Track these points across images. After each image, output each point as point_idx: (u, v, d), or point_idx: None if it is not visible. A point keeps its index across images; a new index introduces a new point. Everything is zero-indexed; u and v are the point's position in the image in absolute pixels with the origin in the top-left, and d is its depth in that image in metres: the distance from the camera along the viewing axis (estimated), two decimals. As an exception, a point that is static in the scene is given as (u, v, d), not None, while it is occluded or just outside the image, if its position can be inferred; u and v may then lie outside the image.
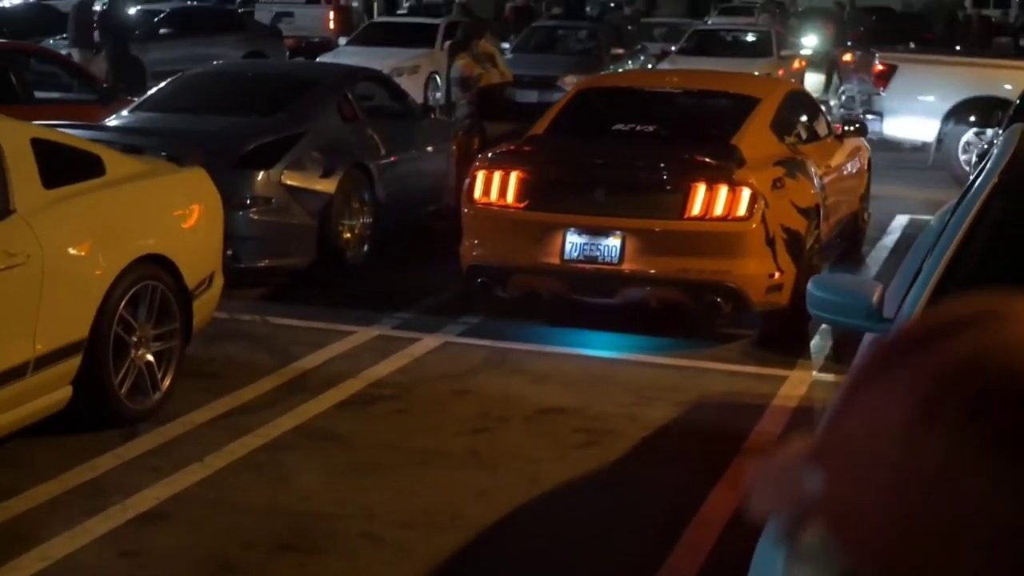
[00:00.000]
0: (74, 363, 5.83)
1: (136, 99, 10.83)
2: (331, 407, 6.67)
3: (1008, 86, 14.05)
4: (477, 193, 7.99)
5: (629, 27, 27.80)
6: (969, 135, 14.68)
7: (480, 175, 8.01)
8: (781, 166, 8.05)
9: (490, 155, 8.27)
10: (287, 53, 24.50)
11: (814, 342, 7.98)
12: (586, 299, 8.02)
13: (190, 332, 6.68)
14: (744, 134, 8.19)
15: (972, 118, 14.69)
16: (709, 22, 29.47)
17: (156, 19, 22.66)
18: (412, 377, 7.22)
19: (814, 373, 7.43)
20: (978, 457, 0.74)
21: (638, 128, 8.50)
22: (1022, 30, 28.05)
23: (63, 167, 6.03)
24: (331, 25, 28.61)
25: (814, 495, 0.81)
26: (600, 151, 8.15)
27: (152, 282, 6.32)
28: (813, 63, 24.77)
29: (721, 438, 6.28)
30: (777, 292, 7.74)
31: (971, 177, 5.23)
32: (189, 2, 29.44)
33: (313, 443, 6.16)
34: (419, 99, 16.23)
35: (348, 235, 9.56)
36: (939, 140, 14.88)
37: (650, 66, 22.55)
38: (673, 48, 22.96)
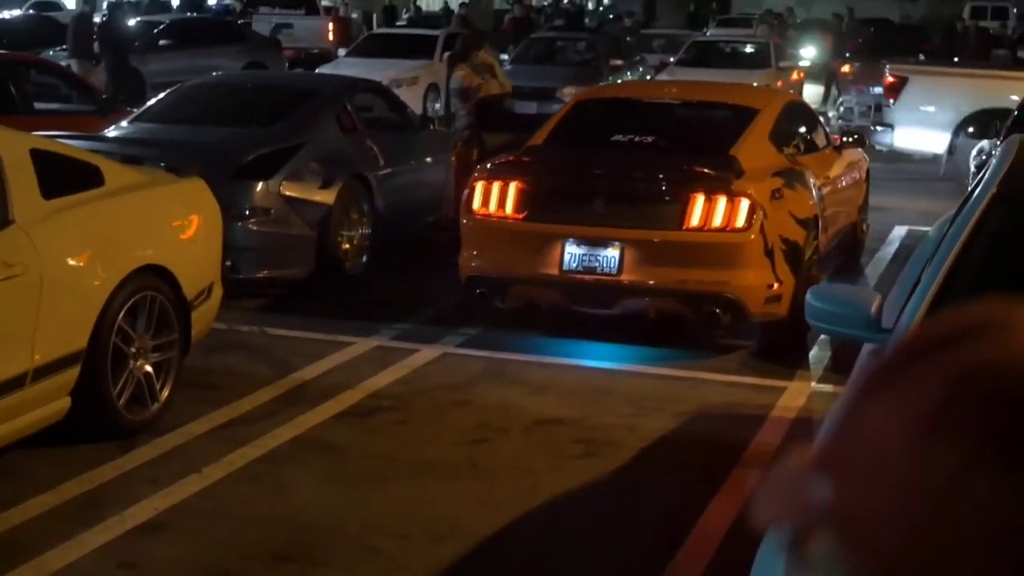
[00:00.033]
0: (72, 374, 5.83)
1: (135, 110, 10.84)
2: (330, 418, 6.66)
3: (1017, 98, 14.06)
4: (476, 204, 8.00)
5: (628, 38, 27.84)
6: (982, 145, 14.68)
7: (479, 186, 8.02)
8: (780, 177, 8.06)
9: (489, 166, 8.27)
10: (286, 64, 24.51)
11: (813, 353, 7.98)
12: (585, 310, 8.02)
13: (189, 343, 6.68)
14: (743, 145, 8.19)
15: (974, 129, 14.69)
16: (708, 34, 29.51)
17: (156, 31, 22.68)
18: (411, 388, 7.22)
19: (813, 384, 7.42)
20: (987, 465, 0.74)
21: (637, 139, 8.50)
22: (1020, 42, 28.09)
23: (62, 178, 6.03)
24: (330, 36, 28.63)
25: (821, 504, 0.81)
26: (599, 162, 8.16)
27: (151, 293, 6.32)
28: (811, 75, 24.79)
29: (720, 449, 6.28)
30: (776, 303, 7.74)
31: (970, 187, 5.24)
32: (188, 14, 29.48)
33: (311, 454, 6.15)
34: (418, 110, 16.23)
35: (347, 246, 9.56)
36: (950, 152, 14.89)
37: (649, 77, 22.56)
38: (672, 59, 22.98)
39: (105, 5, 25.07)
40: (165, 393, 6.43)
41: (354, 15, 38.08)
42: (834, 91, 24.35)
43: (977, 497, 0.74)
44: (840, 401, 4.14)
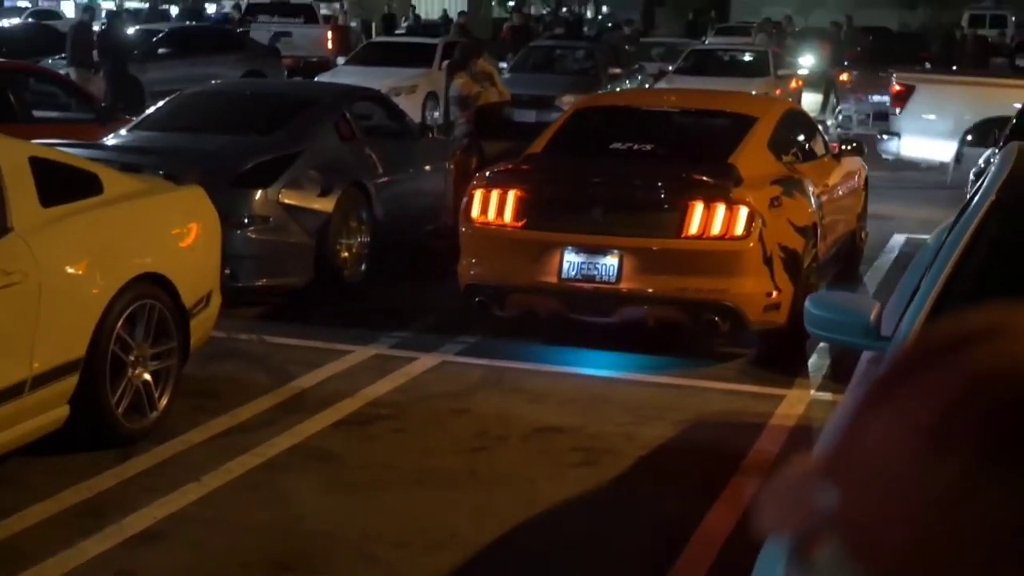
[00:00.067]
0: (71, 382, 5.82)
1: (134, 118, 10.84)
2: (328, 426, 6.66)
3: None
4: (475, 212, 8.00)
5: (627, 47, 27.87)
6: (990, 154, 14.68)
7: (478, 194, 8.02)
8: (778, 185, 8.06)
9: (488, 174, 8.28)
10: (285, 73, 24.53)
11: (812, 361, 7.98)
12: (584, 318, 8.02)
13: (187, 351, 6.67)
14: (741, 153, 8.20)
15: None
16: (706, 42, 29.54)
17: (155, 39, 22.70)
18: (409, 396, 7.22)
19: (812, 392, 7.42)
20: (990, 471, 0.74)
21: (635, 147, 8.51)
22: (1018, 50, 28.12)
23: (61, 185, 6.03)
24: (329, 45, 28.66)
25: (826, 510, 0.81)
26: (598, 170, 8.16)
27: (150, 301, 6.32)
28: (810, 83, 24.80)
29: (719, 457, 6.27)
30: (775, 311, 7.74)
31: (968, 195, 5.24)
32: (188, 22, 29.51)
33: (310, 462, 6.15)
34: (417, 119, 16.25)
35: (346, 254, 9.56)
36: (957, 160, 14.89)
37: (647, 86, 22.58)
38: (671, 68, 23.00)
39: (104, 14, 25.10)
40: (164, 401, 6.42)
41: (353, 24, 38.14)
42: (832, 99, 24.36)
43: (981, 503, 0.74)
44: (840, 409, 4.14)
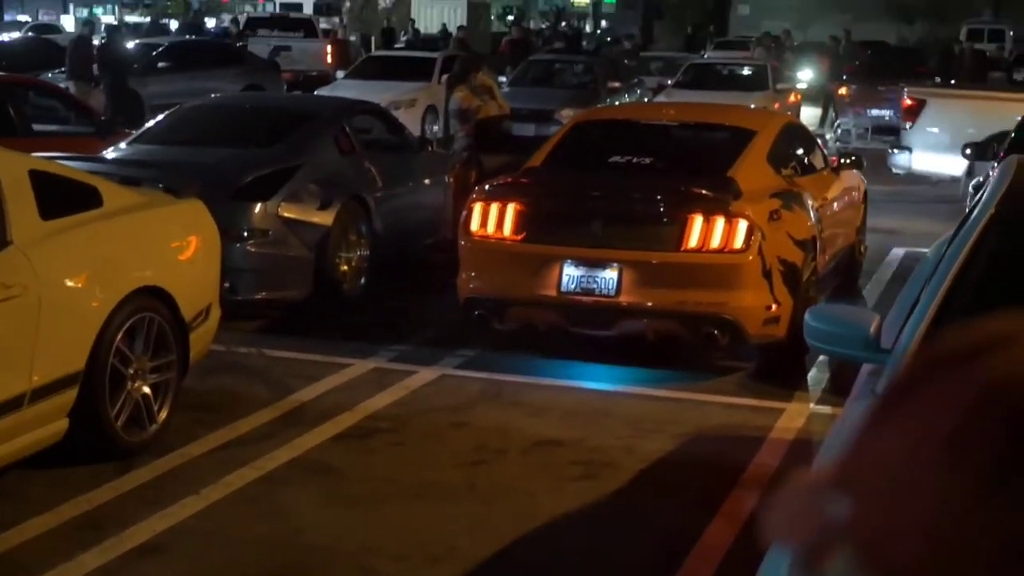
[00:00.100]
0: (71, 395, 5.82)
1: (134, 132, 10.85)
2: (327, 440, 6.65)
3: None
4: (474, 225, 8.00)
5: (626, 61, 27.90)
6: None
7: (477, 207, 8.02)
8: (778, 198, 8.06)
9: (487, 187, 8.28)
10: (285, 87, 24.56)
11: (811, 374, 7.98)
12: (583, 331, 8.01)
13: (187, 364, 6.67)
14: (741, 166, 8.20)
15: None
16: (705, 56, 29.59)
17: (155, 53, 22.73)
18: (409, 410, 7.21)
19: (811, 405, 7.42)
20: (1010, 480, 0.74)
21: (635, 160, 8.52)
22: (1015, 64, 28.17)
23: (61, 198, 6.03)
24: (329, 59, 28.68)
25: (839, 521, 0.80)
26: (597, 183, 8.17)
27: (149, 314, 6.31)
28: (809, 97, 24.85)
29: (718, 471, 6.27)
30: (774, 324, 7.74)
31: (967, 208, 5.24)
32: (187, 36, 29.54)
33: (309, 476, 6.14)
34: (416, 132, 16.26)
35: (345, 267, 9.56)
36: (968, 174, 14.89)
37: (646, 100, 22.62)
38: (669, 82, 23.04)
39: (104, 28, 25.12)
40: (163, 414, 6.42)
41: (352, 38, 38.19)
42: (831, 113, 24.41)
43: (997, 511, 0.74)
44: (840, 421, 4.13)
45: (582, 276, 7.75)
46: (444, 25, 41.31)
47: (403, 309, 9.51)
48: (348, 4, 46.26)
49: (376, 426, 6.90)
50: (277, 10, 46.92)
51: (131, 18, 46.85)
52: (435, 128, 20.06)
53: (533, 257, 7.83)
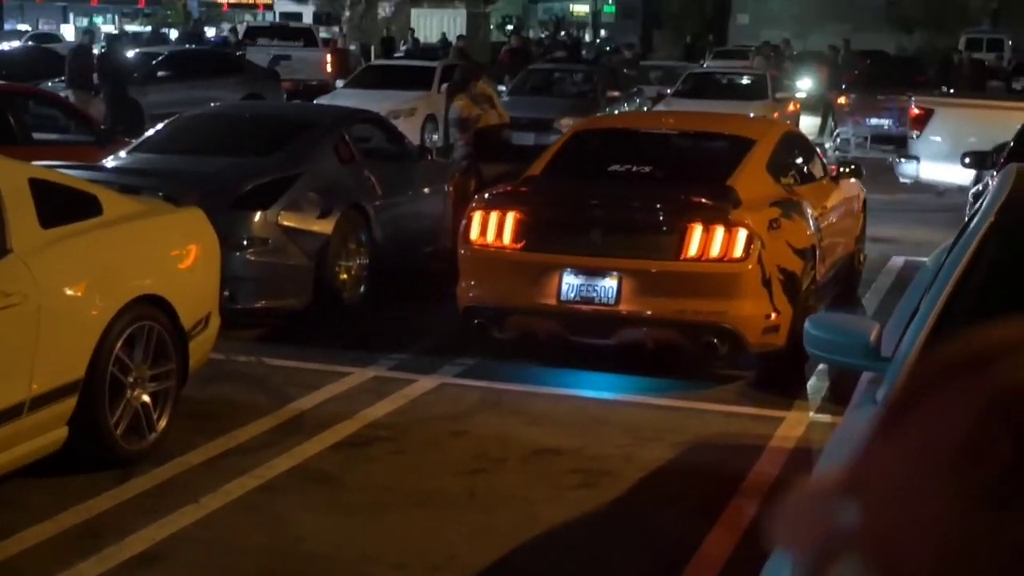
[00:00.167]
0: (70, 403, 5.82)
1: (134, 141, 10.85)
2: (327, 448, 6.65)
3: None
4: (474, 234, 8.00)
5: (625, 70, 27.93)
6: None
7: (477, 216, 8.03)
8: (777, 207, 8.07)
9: (487, 196, 8.28)
10: (284, 96, 24.58)
11: (811, 383, 7.98)
12: (583, 340, 8.01)
13: (186, 373, 6.67)
14: (740, 175, 8.21)
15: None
16: (705, 65, 29.62)
17: (154, 62, 22.74)
18: (408, 418, 7.21)
19: (811, 414, 7.41)
20: (1021, 490, 0.74)
21: (634, 169, 8.52)
22: (1014, 73, 28.19)
23: (60, 207, 6.04)
24: (328, 68, 28.71)
25: (847, 528, 0.80)
26: (596, 192, 8.17)
27: (148, 322, 6.31)
28: (808, 106, 24.89)
29: (718, 479, 6.26)
30: (774, 333, 7.74)
31: (967, 217, 5.24)
32: (187, 45, 29.57)
33: (309, 484, 6.14)
34: (416, 141, 16.27)
35: (345, 276, 9.56)
36: (976, 183, 14.87)
37: (646, 109, 22.63)
38: (669, 91, 23.06)
39: (103, 37, 25.13)
40: (162, 423, 6.41)
41: (352, 47, 38.23)
42: (830, 122, 24.43)
43: (1009, 519, 0.73)
44: (840, 430, 4.13)
45: (582, 285, 7.75)
46: (444, 34, 41.34)
47: (403, 318, 9.51)
48: (348, 13, 46.32)
49: (376, 435, 6.90)
50: (277, 19, 47.03)
51: (131, 27, 46.89)
52: (434, 137, 20.08)
53: (533, 266, 7.83)
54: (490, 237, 7.94)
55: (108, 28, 47.11)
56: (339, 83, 25.24)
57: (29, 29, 42.66)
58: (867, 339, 3.94)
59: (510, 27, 52.02)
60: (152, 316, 6.35)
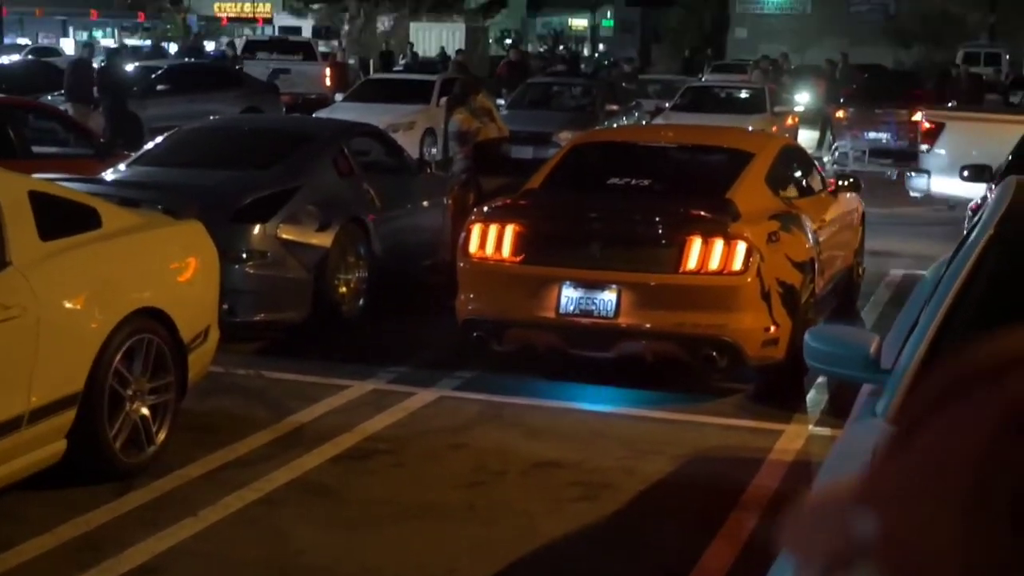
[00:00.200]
0: (69, 416, 5.81)
1: (133, 154, 10.85)
2: (326, 461, 6.64)
3: None
4: (473, 247, 8.00)
5: (624, 84, 27.98)
6: None
7: (476, 229, 8.03)
8: (776, 220, 8.07)
9: (486, 209, 8.28)
10: (283, 109, 24.60)
11: (810, 396, 7.97)
12: (582, 353, 8.01)
13: (185, 386, 6.66)
14: (739, 188, 8.21)
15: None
16: (703, 79, 29.67)
17: (154, 75, 22.77)
18: (407, 431, 7.20)
19: (810, 427, 7.41)
20: None
21: (633, 182, 8.53)
22: (1012, 87, 28.24)
23: (60, 220, 6.04)
24: (327, 82, 28.75)
25: (863, 537, 0.80)
26: (595, 205, 8.17)
27: (148, 335, 6.31)
28: (806, 119, 24.92)
29: (717, 492, 6.26)
30: (773, 346, 7.74)
31: (966, 229, 5.24)
32: (187, 59, 29.61)
33: (308, 497, 6.13)
34: (415, 155, 16.29)
35: (344, 289, 9.56)
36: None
37: (644, 122, 22.66)
38: (667, 104, 23.09)
39: (103, 50, 25.16)
40: (161, 436, 6.41)
41: (351, 61, 38.27)
42: (828, 136, 24.46)
43: None
44: (840, 441, 4.12)
45: (581, 298, 7.75)
46: (443, 48, 41.39)
47: (402, 331, 9.51)
48: (347, 27, 46.37)
49: (375, 447, 6.89)
50: (276, 33, 47.10)
51: (131, 41, 46.95)
52: (433, 150, 20.10)
53: (532, 279, 7.83)
54: (489, 250, 7.94)
55: (108, 42, 47.14)
56: (338, 97, 25.26)
57: (29, 43, 42.69)
58: (867, 351, 3.94)
59: (509, 41, 52.14)
60: (151, 329, 6.35)
